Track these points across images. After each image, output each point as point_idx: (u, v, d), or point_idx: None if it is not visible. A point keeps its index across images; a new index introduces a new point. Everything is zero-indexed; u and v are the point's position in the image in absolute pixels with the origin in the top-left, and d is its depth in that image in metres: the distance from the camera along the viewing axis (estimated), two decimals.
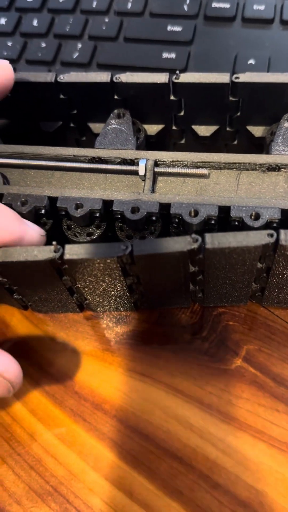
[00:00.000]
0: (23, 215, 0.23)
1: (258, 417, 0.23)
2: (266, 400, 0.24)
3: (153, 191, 0.24)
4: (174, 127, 0.28)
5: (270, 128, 0.27)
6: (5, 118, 0.29)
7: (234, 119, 0.27)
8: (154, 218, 0.23)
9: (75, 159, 0.25)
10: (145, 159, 0.24)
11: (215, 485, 0.22)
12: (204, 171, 0.24)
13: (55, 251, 0.20)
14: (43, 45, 0.36)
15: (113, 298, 0.24)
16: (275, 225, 0.22)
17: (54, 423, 0.24)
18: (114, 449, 0.23)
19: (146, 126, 0.28)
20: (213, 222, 0.22)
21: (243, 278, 0.22)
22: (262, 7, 0.34)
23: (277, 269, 0.21)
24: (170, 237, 0.20)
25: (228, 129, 0.28)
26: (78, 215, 0.23)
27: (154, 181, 0.24)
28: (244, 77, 0.24)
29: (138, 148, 0.26)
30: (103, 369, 0.26)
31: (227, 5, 0.35)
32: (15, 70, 0.26)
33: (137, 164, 0.24)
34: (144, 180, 0.24)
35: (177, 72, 0.25)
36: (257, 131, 0.27)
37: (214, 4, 0.35)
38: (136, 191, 0.24)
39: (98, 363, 0.26)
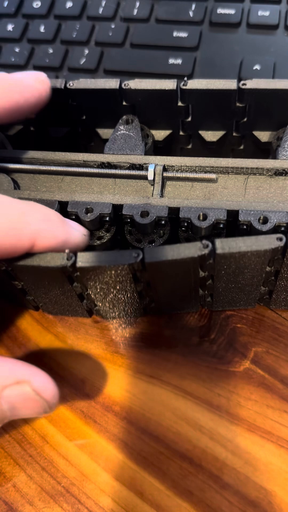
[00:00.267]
0: None
1: (266, 418, 0.24)
2: (275, 402, 0.24)
3: (162, 195, 0.24)
4: (181, 133, 0.29)
5: (277, 133, 0.27)
6: (15, 123, 0.29)
7: (240, 124, 0.27)
8: (163, 222, 0.23)
9: (85, 164, 0.25)
10: (154, 164, 0.25)
11: (224, 485, 0.22)
12: (212, 176, 0.24)
13: (67, 259, 0.20)
14: (50, 51, 0.36)
15: (123, 304, 0.25)
16: (283, 228, 0.22)
17: (65, 424, 0.25)
18: (125, 450, 0.24)
19: (153, 132, 0.28)
20: (221, 226, 0.23)
21: (252, 281, 0.23)
22: (267, 13, 0.35)
23: (286, 272, 0.22)
24: (180, 244, 0.20)
25: (234, 134, 0.28)
26: (88, 220, 0.23)
27: (163, 186, 0.25)
28: (251, 84, 0.25)
29: (146, 153, 0.27)
30: (112, 371, 0.26)
31: (232, 11, 0.35)
32: None
33: (146, 169, 0.25)
34: (153, 185, 0.25)
35: (185, 78, 0.26)
36: (263, 136, 0.28)
37: (219, 10, 0.36)
38: (145, 196, 0.25)
39: (107, 365, 0.26)
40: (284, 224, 0.22)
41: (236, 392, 0.25)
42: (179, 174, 0.24)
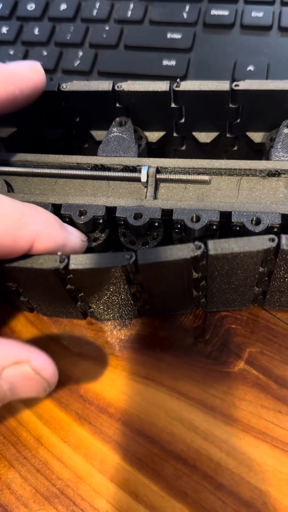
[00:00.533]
0: None
1: (261, 418, 0.24)
2: (269, 402, 0.24)
3: (155, 197, 0.24)
4: (175, 134, 0.29)
5: (270, 134, 0.27)
6: (8, 126, 0.29)
7: (234, 125, 0.27)
8: (156, 224, 0.23)
9: (78, 166, 0.26)
10: (147, 166, 0.25)
11: (219, 486, 0.22)
12: (205, 177, 0.24)
13: (60, 261, 0.20)
14: (45, 53, 0.36)
15: (117, 306, 0.25)
16: (275, 229, 0.22)
17: (60, 426, 0.25)
18: (119, 451, 0.24)
19: (147, 133, 0.29)
20: (214, 227, 0.23)
21: (245, 282, 0.23)
22: (260, 14, 0.35)
23: (279, 273, 0.22)
24: (173, 245, 0.20)
25: (228, 135, 0.28)
26: (82, 222, 0.23)
27: (156, 188, 0.25)
28: (244, 85, 0.25)
29: (140, 155, 0.27)
30: (107, 373, 0.26)
31: (225, 12, 0.36)
32: None
33: (139, 171, 0.25)
34: (146, 187, 0.25)
35: (178, 80, 0.26)
36: (256, 137, 0.28)
37: (213, 12, 0.36)
38: (139, 198, 0.25)
39: (102, 367, 0.26)
40: (277, 225, 0.22)
41: (230, 392, 0.25)
42: (172, 176, 0.25)
